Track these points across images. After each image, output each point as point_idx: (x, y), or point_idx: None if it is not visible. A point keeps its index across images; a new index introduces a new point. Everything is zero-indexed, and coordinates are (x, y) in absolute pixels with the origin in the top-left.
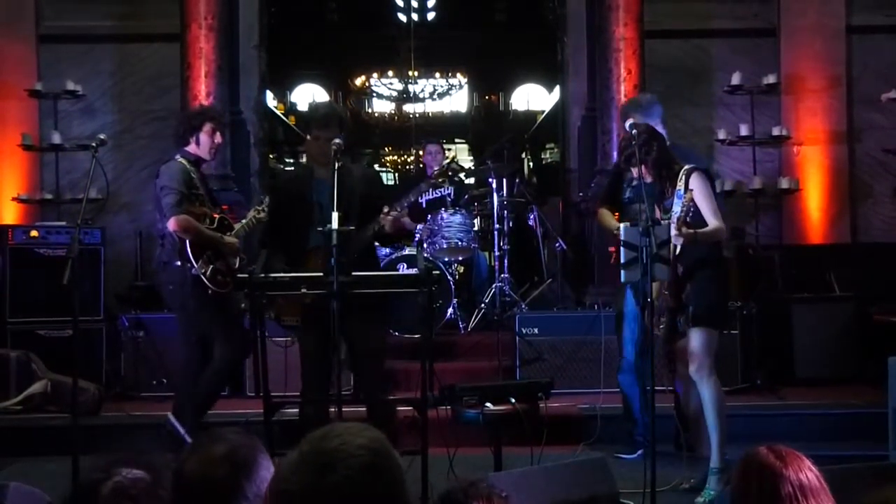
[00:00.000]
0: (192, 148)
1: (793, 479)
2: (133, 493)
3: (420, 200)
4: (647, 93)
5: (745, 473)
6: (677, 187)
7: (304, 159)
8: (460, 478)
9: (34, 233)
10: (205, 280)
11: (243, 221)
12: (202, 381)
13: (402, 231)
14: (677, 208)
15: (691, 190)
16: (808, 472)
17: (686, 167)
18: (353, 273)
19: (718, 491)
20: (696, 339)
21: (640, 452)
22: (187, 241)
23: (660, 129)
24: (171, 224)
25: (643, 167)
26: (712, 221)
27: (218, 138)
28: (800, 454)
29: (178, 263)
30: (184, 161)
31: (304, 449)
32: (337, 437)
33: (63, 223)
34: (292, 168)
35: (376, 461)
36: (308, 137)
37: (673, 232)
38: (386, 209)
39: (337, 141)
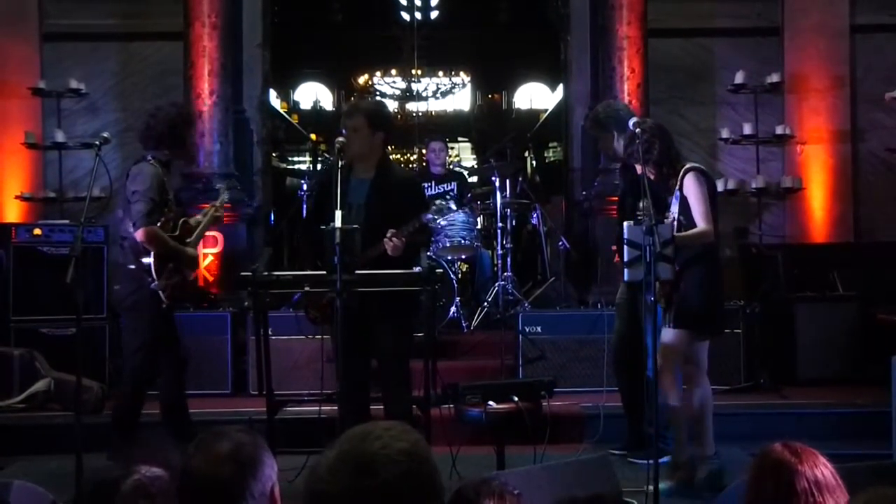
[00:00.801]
0: (166, 151)
1: (808, 476)
2: (153, 491)
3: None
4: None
5: (760, 470)
6: (677, 187)
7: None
8: (472, 476)
9: (37, 231)
10: (161, 296)
11: (202, 221)
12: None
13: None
14: (674, 208)
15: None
16: (823, 469)
17: (686, 166)
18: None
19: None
20: (667, 336)
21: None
22: (152, 253)
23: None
24: (139, 235)
25: (646, 164)
26: (700, 224)
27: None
28: (815, 451)
29: (133, 267)
30: (156, 164)
31: (343, 448)
32: (378, 440)
33: (66, 221)
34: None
35: (417, 467)
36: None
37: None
38: (390, 234)
39: (340, 139)
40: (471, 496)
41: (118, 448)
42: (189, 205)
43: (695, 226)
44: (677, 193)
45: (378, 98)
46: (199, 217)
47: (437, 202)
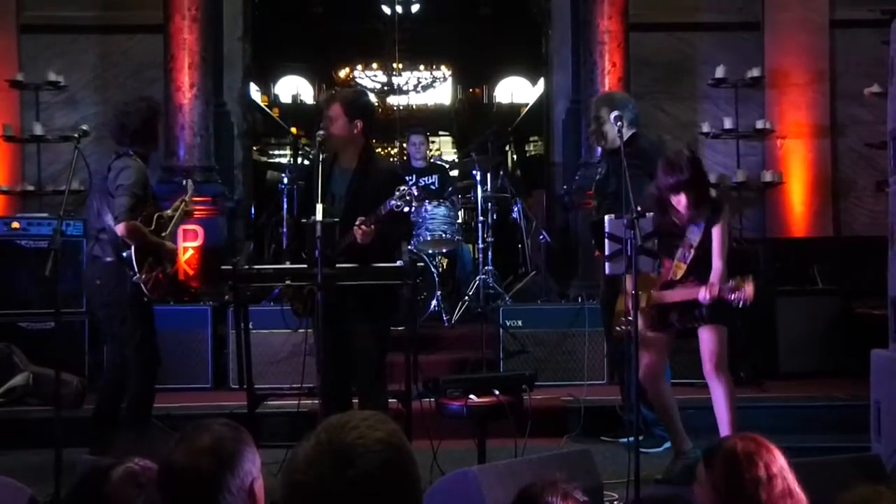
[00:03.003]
0: (142, 146)
1: (773, 466)
2: (142, 480)
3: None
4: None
5: (730, 464)
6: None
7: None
8: (543, 478)
9: (15, 224)
10: (143, 289)
11: (174, 217)
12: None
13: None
14: (694, 237)
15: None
16: (781, 459)
17: (719, 199)
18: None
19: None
20: (712, 336)
21: (666, 445)
22: (133, 248)
23: (630, 129)
24: (121, 229)
25: (684, 196)
26: (717, 262)
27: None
28: (769, 442)
29: (110, 260)
30: (139, 160)
31: (320, 439)
32: (354, 430)
33: (45, 215)
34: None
35: (394, 457)
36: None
37: (703, 294)
38: (359, 221)
39: (320, 132)
40: (536, 492)
41: (129, 440)
42: (169, 198)
43: (707, 258)
44: (701, 224)
45: (359, 87)
46: (169, 212)
47: (401, 188)
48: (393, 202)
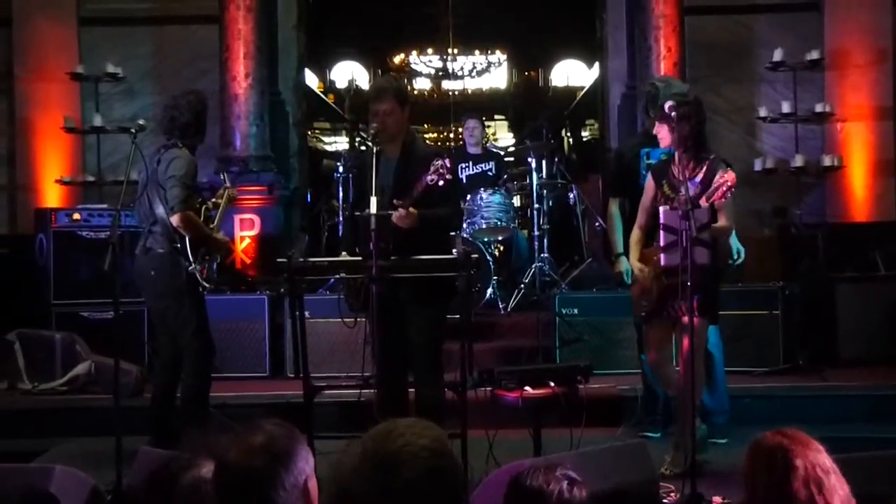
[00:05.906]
0: (190, 137)
1: (809, 461)
2: (209, 488)
3: (461, 177)
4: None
5: (756, 459)
6: (696, 174)
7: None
8: (536, 463)
9: (77, 216)
10: (199, 278)
11: (220, 207)
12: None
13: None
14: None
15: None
16: (818, 454)
17: (713, 157)
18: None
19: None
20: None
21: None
22: (187, 238)
23: None
24: (176, 219)
25: (669, 128)
26: (728, 219)
27: None
28: (804, 436)
29: (162, 251)
30: (187, 151)
31: (367, 446)
32: (400, 437)
33: (105, 206)
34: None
35: (439, 464)
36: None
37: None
38: (396, 202)
39: (374, 126)
40: (535, 484)
41: (189, 434)
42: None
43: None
44: (695, 181)
45: (394, 74)
46: (214, 201)
47: (435, 162)
48: (428, 177)
